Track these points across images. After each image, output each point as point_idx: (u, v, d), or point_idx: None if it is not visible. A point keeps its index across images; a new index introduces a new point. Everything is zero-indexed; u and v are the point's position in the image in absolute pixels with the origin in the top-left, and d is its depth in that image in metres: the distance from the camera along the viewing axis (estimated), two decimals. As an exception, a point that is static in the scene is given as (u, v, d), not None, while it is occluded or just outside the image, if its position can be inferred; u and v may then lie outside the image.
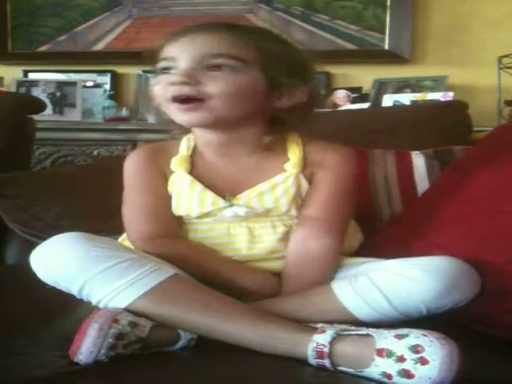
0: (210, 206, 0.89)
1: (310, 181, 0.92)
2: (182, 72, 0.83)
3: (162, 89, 0.86)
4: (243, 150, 0.92)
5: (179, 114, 0.86)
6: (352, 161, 0.94)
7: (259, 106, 0.88)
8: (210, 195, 0.90)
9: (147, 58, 0.90)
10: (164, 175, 0.93)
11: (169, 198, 0.92)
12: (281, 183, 0.90)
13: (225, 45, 0.84)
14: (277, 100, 0.89)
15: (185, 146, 0.95)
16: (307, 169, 0.92)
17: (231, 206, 0.89)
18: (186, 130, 0.95)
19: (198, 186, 0.90)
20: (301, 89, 0.89)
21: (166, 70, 0.87)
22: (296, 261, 0.89)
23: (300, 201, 0.91)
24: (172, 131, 0.97)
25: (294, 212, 0.91)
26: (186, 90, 0.83)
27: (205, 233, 0.92)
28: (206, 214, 0.90)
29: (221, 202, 0.89)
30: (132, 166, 0.95)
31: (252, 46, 0.85)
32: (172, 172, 0.93)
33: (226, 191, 0.90)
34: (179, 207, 0.91)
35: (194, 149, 0.95)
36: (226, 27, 0.87)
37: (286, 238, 0.91)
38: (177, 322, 0.74)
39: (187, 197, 0.90)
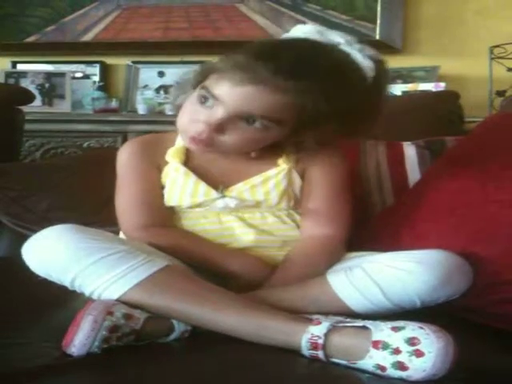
0: (203, 197, 0.92)
1: (302, 176, 0.96)
2: (215, 120, 0.83)
3: (188, 116, 0.87)
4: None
5: (190, 143, 0.88)
6: (343, 158, 0.99)
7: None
8: (202, 186, 0.92)
9: (204, 70, 0.89)
10: (157, 166, 0.95)
11: (161, 188, 0.94)
12: (273, 177, 0.93)
13: (271, 108, 0.83)
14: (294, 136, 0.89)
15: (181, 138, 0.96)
16: (299, 165, 0.96)
17: (223, 197, 0.92)
18: None
19: (192, 177, 0.93)
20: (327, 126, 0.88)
21: (204, 97, 0.86)
22: (301, 244, 0.92)
23: (292, 194, 0.95)
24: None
25: (284, 205, 0.94)
26: (204, 136, 0.85)
27: (196, 220, 0.93)
28: (198, 205, 0.93)
29: (213, 193, 0.92)
30: (125, 157, 0.97)
31: (298, 106, 0.83)
32: (167, 163, 0.95)
33: (220, 183, 0.93)
34: (171, 197, 0.93)
35: None
36: (296, 76, 0.81)
37: (275, 227, 0.93)
38: (169, 313, 0.74)
39: (181, 187, 0.93)
